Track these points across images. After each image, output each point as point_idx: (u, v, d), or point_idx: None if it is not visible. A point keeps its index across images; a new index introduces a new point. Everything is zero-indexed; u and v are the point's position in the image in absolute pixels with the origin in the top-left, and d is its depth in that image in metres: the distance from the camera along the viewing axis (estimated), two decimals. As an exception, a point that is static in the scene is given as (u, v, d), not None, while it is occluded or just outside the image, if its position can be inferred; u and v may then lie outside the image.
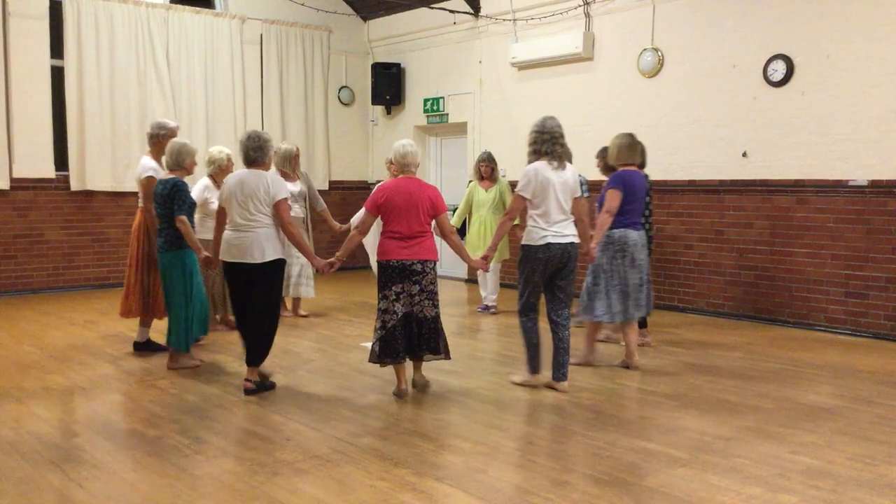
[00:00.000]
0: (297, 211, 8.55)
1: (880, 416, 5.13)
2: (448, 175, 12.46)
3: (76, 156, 10.29)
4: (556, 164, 5.58)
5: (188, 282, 6.18)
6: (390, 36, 12.68)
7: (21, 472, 4.11)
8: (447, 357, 5.64)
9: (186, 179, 6.28)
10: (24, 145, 9.97)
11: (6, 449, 4.45)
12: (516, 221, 5.82)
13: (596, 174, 8.72)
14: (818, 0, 7.85)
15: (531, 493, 3.88)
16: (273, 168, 8.30)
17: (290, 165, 8.41)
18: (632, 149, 6.37)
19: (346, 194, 12.83)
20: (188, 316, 6.19)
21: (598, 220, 6.20)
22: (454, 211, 10.03)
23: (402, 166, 5.57)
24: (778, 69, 8.13)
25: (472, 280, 11.51)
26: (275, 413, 5.19)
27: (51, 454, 4.38)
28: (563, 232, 5.56)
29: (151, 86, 10.80)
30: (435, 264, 5.53)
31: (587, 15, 9.90)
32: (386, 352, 5.42)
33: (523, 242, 5.63)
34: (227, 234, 5.57)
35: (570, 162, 5.73)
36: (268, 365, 5.90)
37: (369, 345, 7.12)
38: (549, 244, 5.50)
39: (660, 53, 9.18)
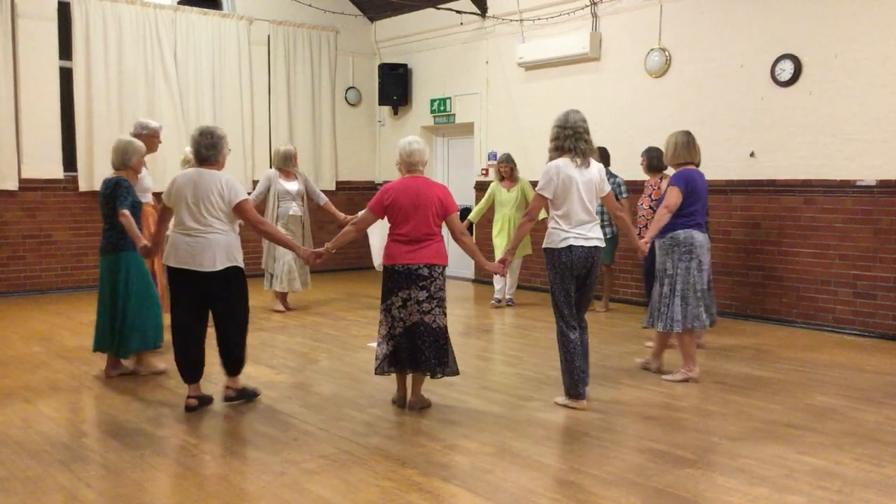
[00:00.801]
0: (295, 210, 8.67)
1: (888, 418, 5.11)
2: (455, 175, 12.47)
3: (84, 157, 10.33)
4: (579, 161, 5.19)
5: (131, 285, 5.86)
6: (397, 36, 12.69)
7: (29, 472, 4.12)
8: (456, 372, 5.24)
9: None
10: (33, 146, 10.01)
11: (15, 448, 4.48)
12: (543, 215, 5.46)
13: (631, 174, 8.81)
14: (826, 0, 7.82)
15: (537, 493, 3.88)
16: (253, 167, 8.51)
17: (291, 165, 8.76)
18: (689, 147, 6.04)
19: (353, 195, 12.84)
20: (131, 321, 5.87)
21: (655, 214, 5.98)
22: (466, 211, 10.08)
23: (408, 165, 5.20)
24: (785, 69, 8.11)
25: (479, 280, 11.51)
26: (282, 413, 5.20)
27: (59, 454, 4.40)
28: (587, 234, 5.20)
29: (159, 87, 10.83)
30: (444, 269, 5.18)
31: (594, 15, 9.89)
32: (394, 361, 5.15)
33: (544, 245, 5.30)
34: (174, 236, 5.11)
35: (596, 159, 5.35)
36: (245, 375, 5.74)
37: (375, 345, 7.17)
38: (571, 247, 5.15)
39: (667, 53, 9.16)
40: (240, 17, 11.57)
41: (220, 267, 5.06)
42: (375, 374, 5.29)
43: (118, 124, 10.44)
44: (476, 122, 11.61)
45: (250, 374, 6.07)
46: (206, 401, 5.31)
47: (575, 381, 5.25)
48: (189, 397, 5.24)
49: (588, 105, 9.98)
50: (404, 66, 12.55)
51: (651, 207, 7.54)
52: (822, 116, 7.90)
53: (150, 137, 6.52)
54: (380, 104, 12.90)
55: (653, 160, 7.76)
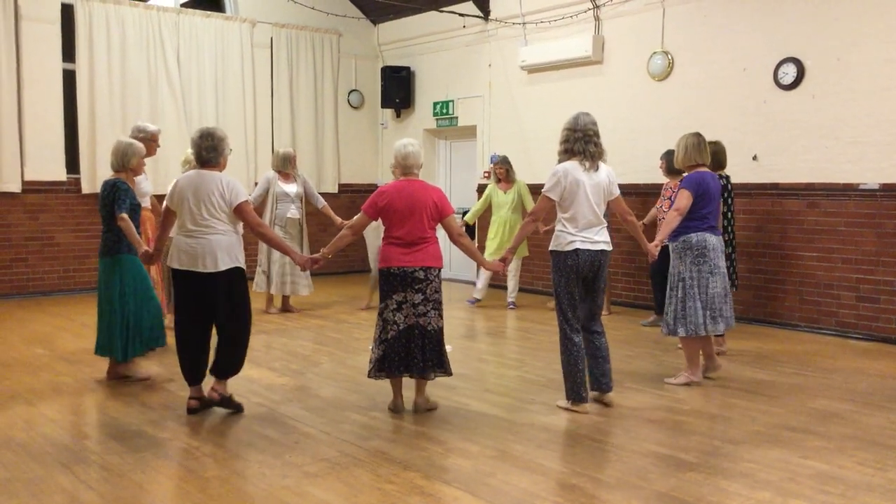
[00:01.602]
0: (293, 212, 8.69)
1: (891, 421, 5.10)
2: (457, 178, 12.48)
3: (87, 159, 10.34)
4: (588, 164, 5.16)
5: (128, 288, 5.80)
6: (400, 39, 12.70)
7: (31, 474, 4.12)
8: (449, 373, 5.24)
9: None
10: (36, 148, 10.02)
11: (17, 450, 4.48)
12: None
13: (633, 178, 8.81)
14: (829, 3, 7.82)
15: (539, 496, 3.87)
16: (237, 168, 8.52)
17: (290, 167, 8.80)
18: (699, 149, 5.96)
19: (356, 197, 12.84)
20: (127, 324, 5.82)
21: (666, 217, 5.95)
22: (463, 214, 10.07)
23: (403, 168, 5.20)
24: (788, 72, 8.11)
25: (492, 285, 11.49)
26: (283, 416, 5.19)
27: (61, 456, 4.40)
28: (594, 238, 5.17)
29: (162, 89, 10.84)
30: (439, 271, 5.18)
31: (597, 18, 9.89)
32: (384, 365, 5.11)
33: (550, 248, 5.27)
34: (177, 239, 5.12)
35: (605, 162, 5.31)
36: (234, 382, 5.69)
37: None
38: (577, 250, 5.11)
39: (669, 56, 9.16)
40: (243, 19, 11.59)
41: (222, 268, 5.04)
42: (368, 377, 5.26)
43: (121, 127, 10.43)
44: (478, 125, 11.62)
45: (252, 377, 6.08)
46: (207, 403, 5.28)
47: (577, 385, 5.21)
48: (191, 398, 5.23)
49: (590, 108, 9.88)
50: (407, 68, 12.56)
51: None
52: (825, 120, 7.89)
53: (147, 141, 6.47)
54: (382, 107, 12.91)
55: (671, 163, 7.73)
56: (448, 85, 12.05)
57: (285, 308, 9.06)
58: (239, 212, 5.10)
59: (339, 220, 8.69)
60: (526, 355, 7.01)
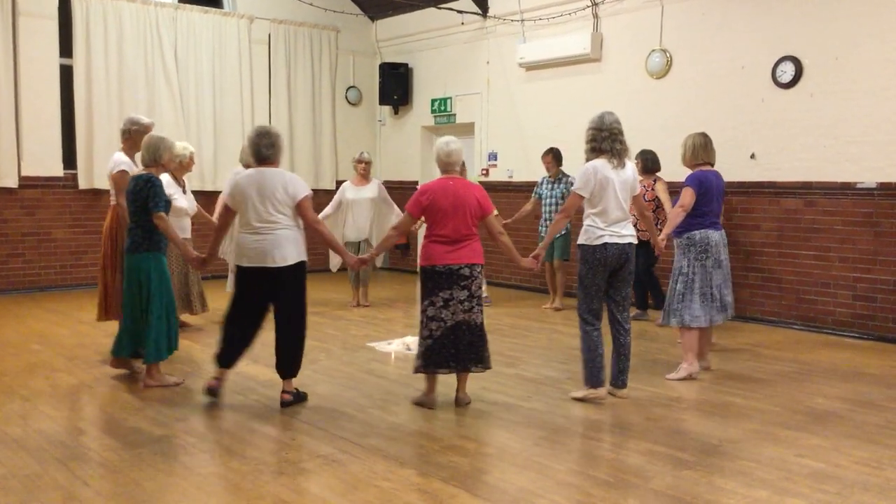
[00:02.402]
0: None
1: (888, 421, 5.10)
2: (455, 175, 12.45)
3: (84, 154, 10.33)
4: (616, 161, 5.33)
5: (154, 287, 5.63)
6: (398, 36, 12.69)
7: (28, 470, 4.12)
8: (489, 367, 5.33)
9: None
10: (33, 144, 10.00)
11: (13, 446, 4.47)
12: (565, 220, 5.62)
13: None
14: (827, 2, 7.82)
15: (536, 494, 3.87)
16: (240, 164, 8.42)
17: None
18: (706, 148, 6.21)
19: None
20: (156, 325, 5.64)
21: (670, 214, 6.20)
22: None
23: (446, 165, 5.28)
24: (786, 71, 8.11)
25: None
26: (280, 412, 5.19)
27: (57, 452, 4.40)
28: (622, 232, 5.36)
29: (159, 85, 10.82)
30: (482, 268, 5.28)
31: (595, 16, 9.88)
32: (434, 361, 5.17)
33: (579, 242, 5.43)
34: (241, 237, 5.19)
35: (630, 159, 5.51)
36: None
37: (376, 345, 7.18)
38: (606, 244, 5.30)
39: (668, 54, 9.16)
40: (240, 15, 11.56)
41: (291, 262, 5.14)
42: (413, 372, 5.35)
43: (118, 122, 10.33)
44: (476, 123, 11.61)
45: (249, 374, 6.08)
46: (300, 397, 5.39)
47: (596, 370, 5.39)
48: (215, 378, 5.32)
49: (588, 106, 9.96)
50: (405, 65, 12.55)
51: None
52: (823, 118, 7.90)
53: (141, 134, 6.37)
54: (380, 104, 12.89)
55: (647, 162, 8.15)
56: (446, 82, 12.04)
57: None
58: (300, 207, 5.18)
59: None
60: (523, 353, 7.01)
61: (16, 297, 9.67)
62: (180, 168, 7.05)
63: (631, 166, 5.49)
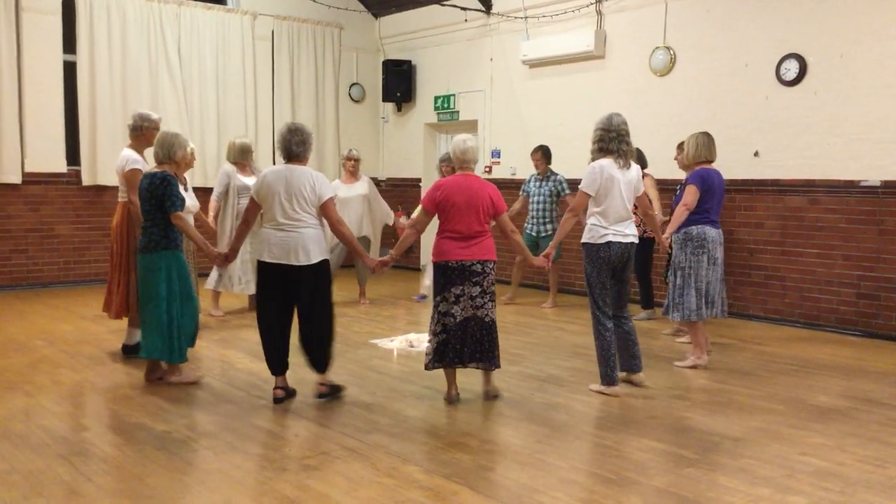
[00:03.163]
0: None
1: (891, 419, 5.10)
2: (458, 173, 12.44)
3: (88, 151, 10.33)
4: (622, 162, 5.48)
5: (174, 286, 5.56)
6: (401, 33, 12.68)
7: (31, 465, 4.13)
8: (498, 365, 5.37)
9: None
10: (36, 140, 10.01)
11: (16, 442, 4.48)
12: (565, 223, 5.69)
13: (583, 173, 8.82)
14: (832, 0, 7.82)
15: (538, 491, 3.87)
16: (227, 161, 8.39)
17: (248, 158, 8.47)
18: (709, 147, 6.43)
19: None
20: (171, 323, 5.57)
21: (674, 212, 6.39)
22: None
23: (461, 162, 5.35)
24: (791, 68, 8.09)
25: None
26: (283, 409, 5.19)
27: (60, 447, 4.40)
28: (625, 231, 5.51)
29: (163, 81, 10.82)
30: (494, 264, 5.32)
31: (599, 13, 9.87)
32: (444, 356, 5.24)
33: (584, 241, 5.57)
34: (265, 232, 5.19)
35: (635, 161, 5.67)
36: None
37: (379, 342, 7.18)
38: (609, 243, 5.46)
39: (672, 52, 9.14)
40: (244, 12, 11.56)
41: (315, 260, 5.16)
42: (425, 369, 5.37)
43: (122, 119, 10.40)
44: (480, 120, 11.59)
45: (252, 370, 6.09)
46: (291, 393, 5.39)
47: (611, 369, 5.53)
48: (277, 388, 5.34)
49: (592, 103, 10.00)
50: (408, 62, 12.54)
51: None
52: (827, 116, 7.88)
53: (151, 130, 6.30)
54: (383, 101, 12.88)
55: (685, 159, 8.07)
56: (449, 79, 12.03)
57: (252, 308, 8.73)
58: (325, 207, 5.21)
59: None
60: (526, 350, 7.01)
61: (19, 293, 9.68)
62: (182, 165, 6.98)
63: (636, 167, 5.62)
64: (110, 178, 10.38)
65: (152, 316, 5.58)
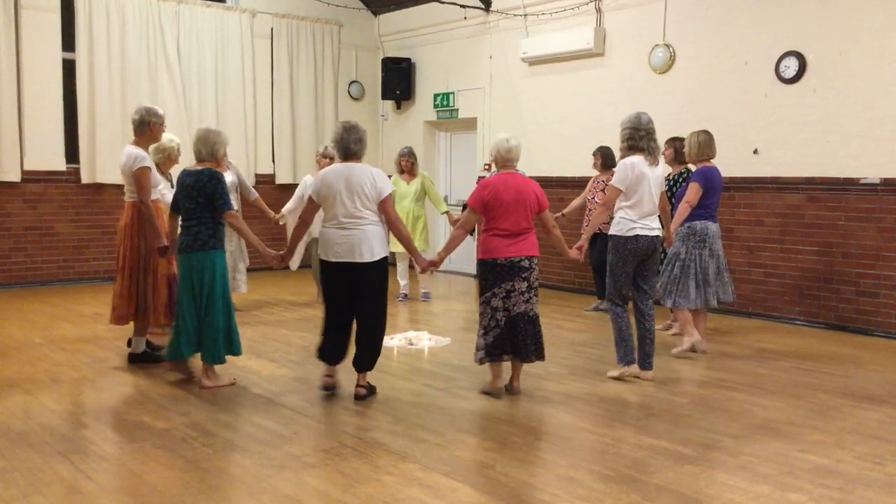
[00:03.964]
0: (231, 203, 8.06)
1: (890, 416, 5.10)
2: (457, 170, 12.46)
3: (87, 149, 10.33)
4: (650, 159, 5.68)
5: (227, 284, 5.52)
6: (401, 31, 12.67)
7: (30, 463, 4.12)
8: (543, 357, 5.51)
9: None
10: (35, 138, 10.01)
11: (16, 440, 4.47)
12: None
13: (584, 171, 8.86)
14: (831, -4, 7.81)
15: (538, 488, 3.87)
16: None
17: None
18: (709, 145, 6.66)
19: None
20: (229, 325, 5.53)
21: (678, 209, 6.57)
22: (463, 207, 10.05)
23: (505, 161, 5.43)
24: (790, 66, 8.09)
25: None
26: (283, 406, 5.19)
27: (60, 445, 4.40)
28: (651, 225, 5.72)
29: (162, 79, 10.82)
30: (537, 260, 5.45)
31: (598, 10, 9.86)
32: (497, 350, 5.34)
33: (612, 233, 5.76)
34: (327, 231, 5.20)
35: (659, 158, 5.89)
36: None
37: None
38: (637, 236, 5.65)
39: (671, 49, 9.14)
40: (243, 9, 11.55)
41: (377, 257, 5.21)
42: (475, 361, 5.46)
43: (121, 116, 10.42)
44: (479, 118, 11.59)
45: (251, 368, 6.08)
46: (373, 390, 5.44)
47: (628, 351, 5.80)
48: (327, 376, 5.45)
49: (591, 101, 10.02)
50: (407, 60, 12.53)
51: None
52: (827, 114, 7.88)
53: (157, 126, 6.19)
54: (383, 98, 12.87)
55: (607, 158, 8.61)
56: (449, 77, 12.02)
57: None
58: (383, 204, 5.24)
59: (272, 213, 8.42)
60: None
61: (18, 291, 9.68)
62: (168, 161, 6.89)
63: (662, 165, 5.87)
64: (109, 176, 10.39)
65: (217, 319, 5.48)
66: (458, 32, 11.71)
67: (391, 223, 5.33)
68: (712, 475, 4.07)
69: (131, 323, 6.25)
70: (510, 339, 5.34)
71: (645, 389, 5.67)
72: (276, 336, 7.37)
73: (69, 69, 10.22)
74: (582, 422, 4.96)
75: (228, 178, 8.05)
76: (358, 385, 5.37)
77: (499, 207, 5.27)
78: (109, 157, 10.41)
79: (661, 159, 5.91)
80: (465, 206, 9.77)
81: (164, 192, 6.41)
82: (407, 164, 9.35)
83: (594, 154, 8.68)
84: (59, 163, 10.22)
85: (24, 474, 3.98)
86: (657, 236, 5.77)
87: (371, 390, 5.43)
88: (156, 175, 6.25)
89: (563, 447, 4.53)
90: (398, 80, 12.47)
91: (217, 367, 5.66)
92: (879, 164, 7.55)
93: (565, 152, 10.26)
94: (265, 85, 11.93)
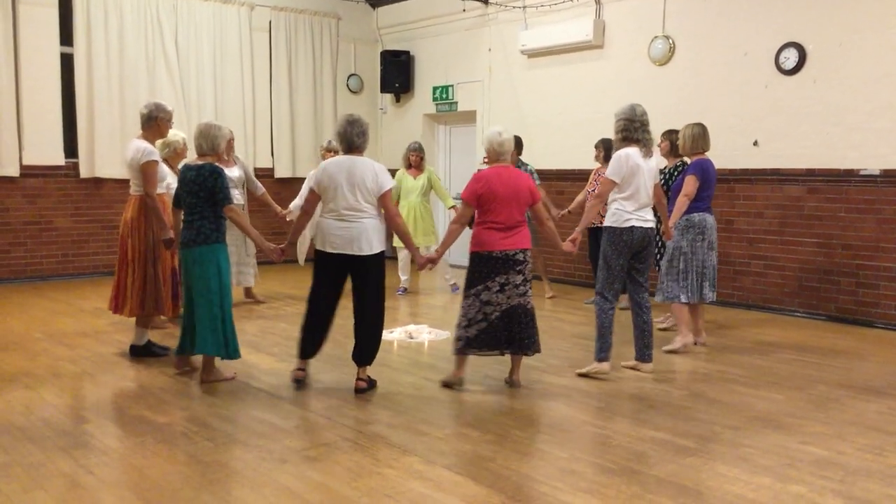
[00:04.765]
0: (236, 197, 7.79)
1: (890, 407, 5.10)
2: (457, 163, 12.44)
3: (85, 143, 10.30)
4: (644, 151, 5.68)
5: (225, 279, 5.49)
6: (399, 23, 12.63)
7: (31, 458, 4.12)
8: (539, 350, 5.49)
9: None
10: (34, 133, 9.98)
11: (16, 434, 4.48)
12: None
13: (584, 164, 8.85)
14: (831, -13, 7.79)
15: (539, 481, 3.88)
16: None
17: (230, 149, 8.11)
18: (703, 138, 6.65)
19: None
20: (224, 318, 5.48)
21: (676, 202, 6.54)
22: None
23: (498, 154, 5.40)
24: (790, 57, 8.07)
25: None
26: (283, 400, 5.20)
27: (60, 440, 4.40)
28: (646, 217, 5.72)
29: (160, 73, 10.79)
30: (530, 253, 5.46)
31: (597, 2, 9.84)
32: (481, 343, 5.32)
33: (607, 224, 5.76)
34: (325, 222, 5.22)
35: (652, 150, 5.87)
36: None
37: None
38: (632, 227, 5.65)
39: (671, 41, 9.12)
40: (241, 3, 11.51)
41: (376, 251, 5.25)
42: (455, 352, 5.43)
43: (119, 111, 10.41)
44: (478, 110, 11.57)
45: (251, 362, 6.08)
46: (373, 384, 5.45)
47: (607, 346, 5.72)
48: (299, 370, 5.48)
49: (591, 93, 10.00)
50: (406, 53, 12.50)
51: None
52: (827, 105, 7.87)
53: (165, 121, 6.19)
54: (382, 91, 12.85)
55: (609, 151, 8.35)
56: (448, 69, 11.99)
57: (251, 297, 8.70)
58: (382, 198, 5.26)
59: (279, 208, 8.37)
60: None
61: (17, 286, 9.67)
62: (175, 156, 6.93)
63: (656, 157, 5.84)
64: (108, 171, 10.38)
65: (204, 311, 5.44)
66: (457, 25, 11.68)
67: (390, 218, 5.36)
68: (713, 467, 4.07)
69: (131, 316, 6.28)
70: (505, 333, 5.32)
71: (645, 382, 5.67)
72: (277, 330, 7.37)
73: (67, 64, 10.19)
74: (583, 414, 4.97)
75: (235, 173, 8.11)
76: (358, 378, 5.38)
77: (493, 200, 5.26)
78: (108, 151, 10.40)
79: (656, 151, 5.93)
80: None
81: (171, 184, 6.42)
82: (416, 160, 9.32)
83: (596, 146, 8.60)
84: (57, 157, 10.20)
85: (26, 469, 3.98)
86: (652, 228, 5.77)
87: (371, 384, 5.43)
88: (163, 168, 6.32)
89: (563, 440, 4.53)
90: (397, 73, 12.44)
91: (217, 361, 5.66)
92: (880, 156, 7.54)
93: (565, 145, 10.24)
94: (263, 78, 11.90)
